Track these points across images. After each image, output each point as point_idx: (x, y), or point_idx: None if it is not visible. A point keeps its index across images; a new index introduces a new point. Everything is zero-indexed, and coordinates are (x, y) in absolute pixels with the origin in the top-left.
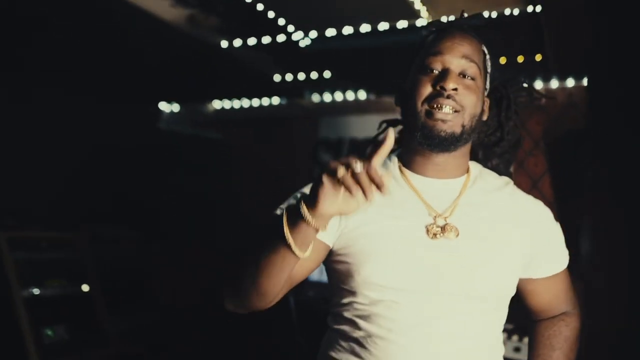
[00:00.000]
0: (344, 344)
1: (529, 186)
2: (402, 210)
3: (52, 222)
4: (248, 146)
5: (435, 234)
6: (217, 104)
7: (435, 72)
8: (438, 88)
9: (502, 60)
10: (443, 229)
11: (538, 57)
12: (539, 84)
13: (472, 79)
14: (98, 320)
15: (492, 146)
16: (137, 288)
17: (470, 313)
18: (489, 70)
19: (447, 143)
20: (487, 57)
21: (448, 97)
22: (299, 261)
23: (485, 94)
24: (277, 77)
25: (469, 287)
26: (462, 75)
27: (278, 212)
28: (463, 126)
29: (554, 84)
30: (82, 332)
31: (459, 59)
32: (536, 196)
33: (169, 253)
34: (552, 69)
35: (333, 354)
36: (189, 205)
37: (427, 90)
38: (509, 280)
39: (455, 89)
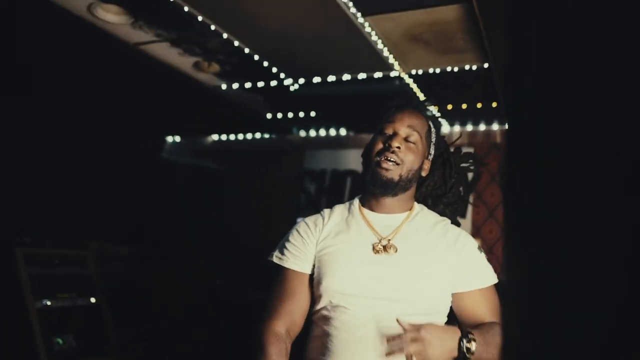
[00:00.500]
0: (314, 344)
1: (486, 215)
2: (354, 236)
3: (65, 240)
4: (242, 174)
5: (378, 251)
6: (214, 136)
7: (387, 134)
8: (387, 145)
9: (464, 106)
10: (385, 247)
11: (494, 104)
12: (495, 126)
13: (414, 143)
14: (104, 330)
15: (440, 197)
16: (140, 301)
17: (405, 315)
18: (433, 140)
19: (386, 186)
20: (433, 130)
21: (393, 152)
22: (305, 299)
23: (430, 157)
24: (268, 115)
25: (403, 292)
26: (406, 139)
27: (274, 259)
28: (400, 176)
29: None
30: (90, 341)
31: (405, 127)
32: (492, 224)
33: (169, 269)
34: (505, 113)
35: (307, 353)
36: (187, 227)
37: (379, 146)
38: (436, 288)
39: (399, 147)
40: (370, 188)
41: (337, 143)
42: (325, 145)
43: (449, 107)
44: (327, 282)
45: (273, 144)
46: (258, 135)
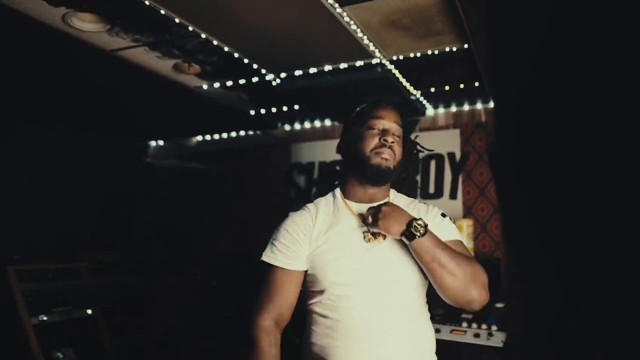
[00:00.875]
0: (318, 330)
1: (477, 194)
2: (344, 228)
3: (55, 253)
4: (229, 172)
5: (369, 239)
6: (199, 137)
7: (377, 130)
8: (382, 141)
9: (447, 87)
10: (374, 235)
11: (477, 84)
12: (479, 105)
13: (399, 137)
14: (101, 340)
15: (401, 182)
16: (135, 309)
17: (401, 294)
18: None
19: (386, 175)
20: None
21: (389, 147)
22: (293, 294)
23: None
24: (252, 112)
25: (397, 274)
26: (393, 134)
27: (264, 259)
28: (394, 166)
29: (492, 104)
30: (88, 352)
31: (392, 123)
32: (483, 202)
33: (161, 275)
34: (489, 93)
35: (313, 340)
36: (178, 232)
37: (374, 142)
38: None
39: (393, 142)
40: (367, 179)
41: (323, 134)
42: (311, 138)
43: (432, 90)
44: (329, 277)
45: (259, 140)
46: (242, 132)
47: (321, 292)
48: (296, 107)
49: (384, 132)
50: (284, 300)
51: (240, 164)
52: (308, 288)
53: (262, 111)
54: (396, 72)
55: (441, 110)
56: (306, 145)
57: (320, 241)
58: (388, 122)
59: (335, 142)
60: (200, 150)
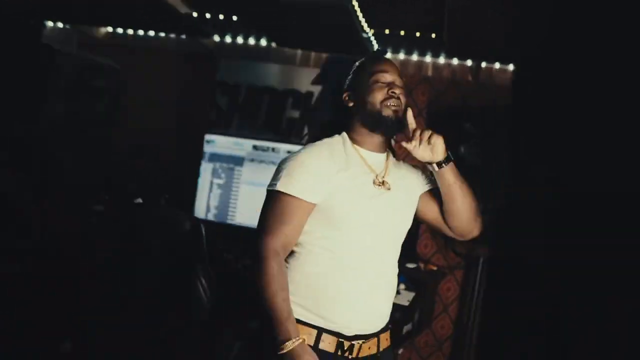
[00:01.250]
0: (319, 261)
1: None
2: (358, 172)
3: None
4: (142, 76)
5: (379, 185)
6: (109, 27)
7: (384, 83)
8: (391, 93)
9: (402, 32)
10: (382, 183)
11: (433, 35)
12: (428, 58)
13: (403, 88)
14: None
15: None
16: (9, 215)
17: (396, 239)
18: None
19: (398, 124)
20: None
21: (397, 98)
22: (300, 227)
23: None
24: (183, 10)
25: (399, 221)
26: (398, 86)
27: (281, 188)
28: (403, 114)
29: (441, 60)
30: None
31: (396, 76)
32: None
33: (44, 180)
34: (443, 47)
35: (308, 269)
36: (67, 130)
37: (383, 94)
38: (413, 211)
39: (400, 93)
40: (379, 129)
41: (257, 54)
42: (242, 55)
43: (386, 31)
44: (346, 215)
45: (182, 47)
46: (162, 33)
47: (333, 228)
48: (234, 17)
49: (392, 85)
50: (293, 230)
51: (154, 69)
52: (318, 220)
53: (194, 14)
54: (356, 3)
55: (388, 55)
56: (235, 64)
57: (338, 179)
58: (393, 75)
59: (269, 66)
60: (109, 44)
